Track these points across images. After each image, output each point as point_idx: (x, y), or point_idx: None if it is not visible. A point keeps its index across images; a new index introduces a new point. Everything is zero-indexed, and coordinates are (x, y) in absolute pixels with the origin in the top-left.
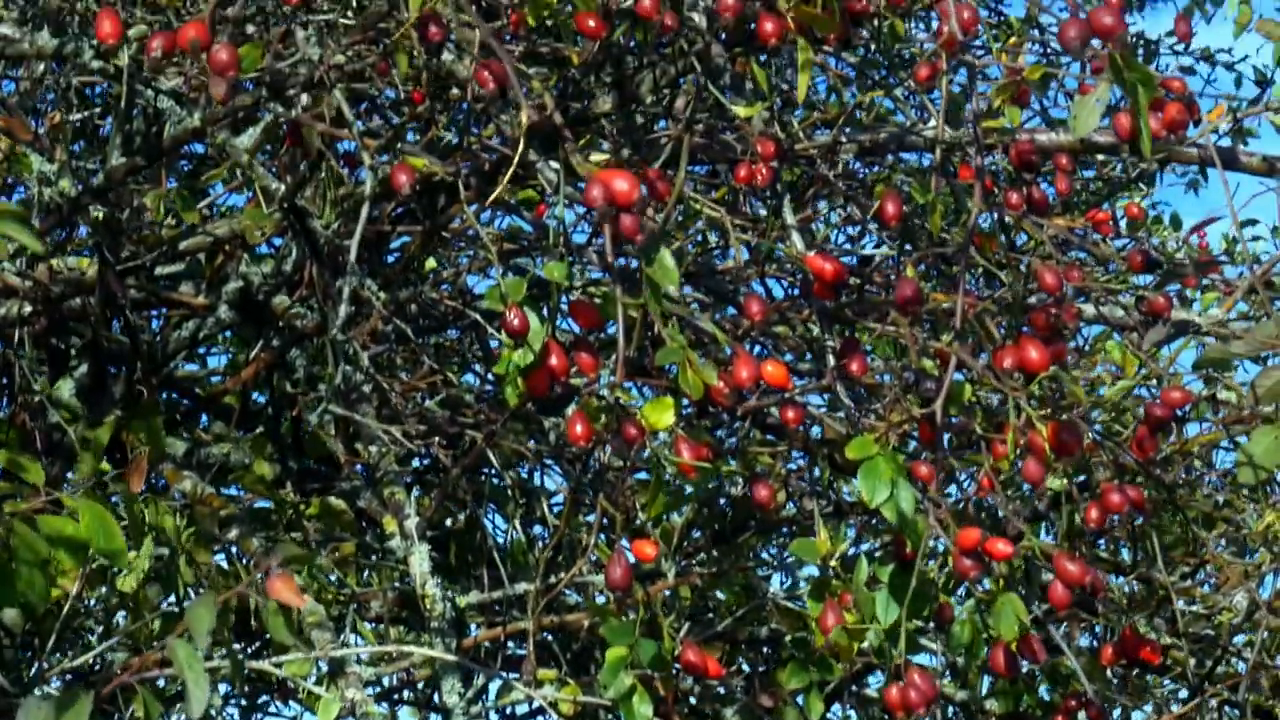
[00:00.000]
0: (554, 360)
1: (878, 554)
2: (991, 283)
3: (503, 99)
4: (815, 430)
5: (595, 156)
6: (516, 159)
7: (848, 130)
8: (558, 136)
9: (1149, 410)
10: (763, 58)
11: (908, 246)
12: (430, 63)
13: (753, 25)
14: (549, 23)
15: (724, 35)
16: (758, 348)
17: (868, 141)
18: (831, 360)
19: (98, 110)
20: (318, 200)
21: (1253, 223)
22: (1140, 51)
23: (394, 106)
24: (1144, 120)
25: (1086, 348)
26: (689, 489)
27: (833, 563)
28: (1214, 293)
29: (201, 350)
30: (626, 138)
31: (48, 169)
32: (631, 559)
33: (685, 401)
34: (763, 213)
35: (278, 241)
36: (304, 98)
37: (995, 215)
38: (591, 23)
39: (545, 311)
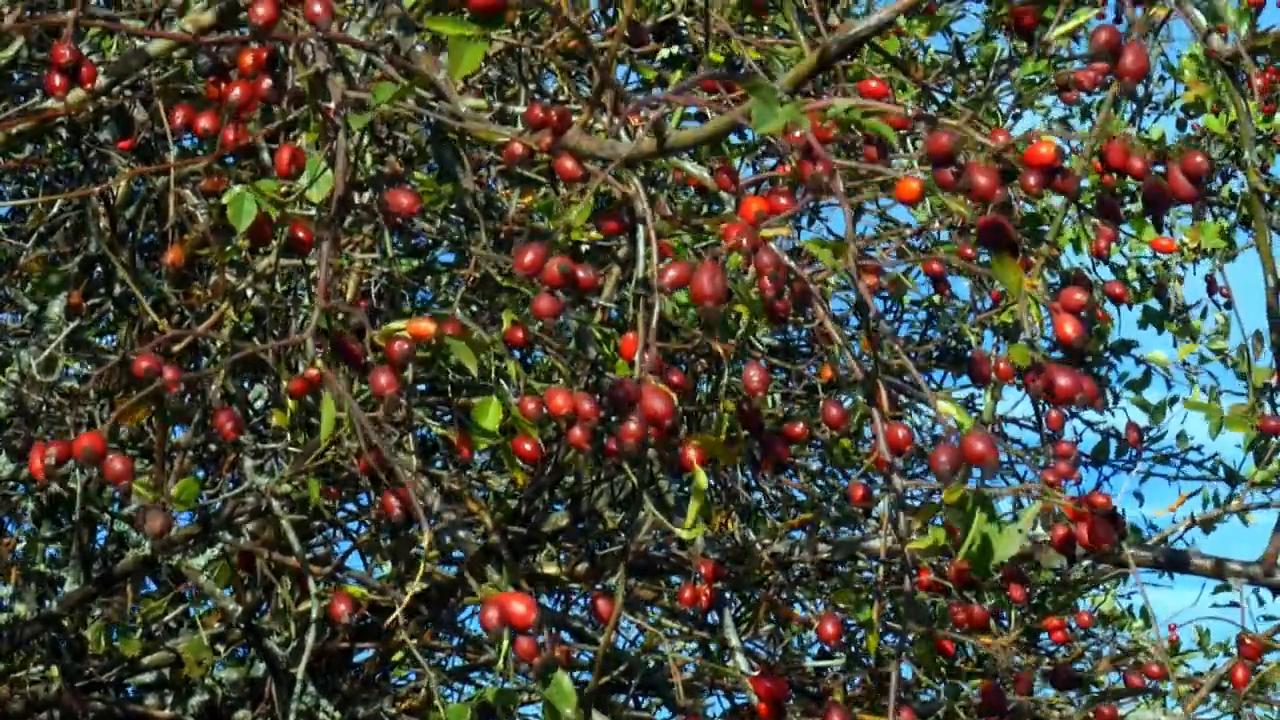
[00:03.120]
0: None
1: None
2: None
3: (408, 524)
4: None
5: (549, 569)
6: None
7: (799, 539)
8: (501, 558)
9: None
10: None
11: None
12: (370, 493)
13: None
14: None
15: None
16: None
17: (817, 557)
18: None
19: (66, 526)
20: (279, 616)
21: (1235, 605)
22: (1112, 445)
23: (354, 516)
24: (982, 564)
25: None
26: None
27: None
28: (1186, 685)
29: None
30: (581, 551)
31: (3, 591)
32: None
33: None
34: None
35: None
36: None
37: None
38: (528, 446)
39: None
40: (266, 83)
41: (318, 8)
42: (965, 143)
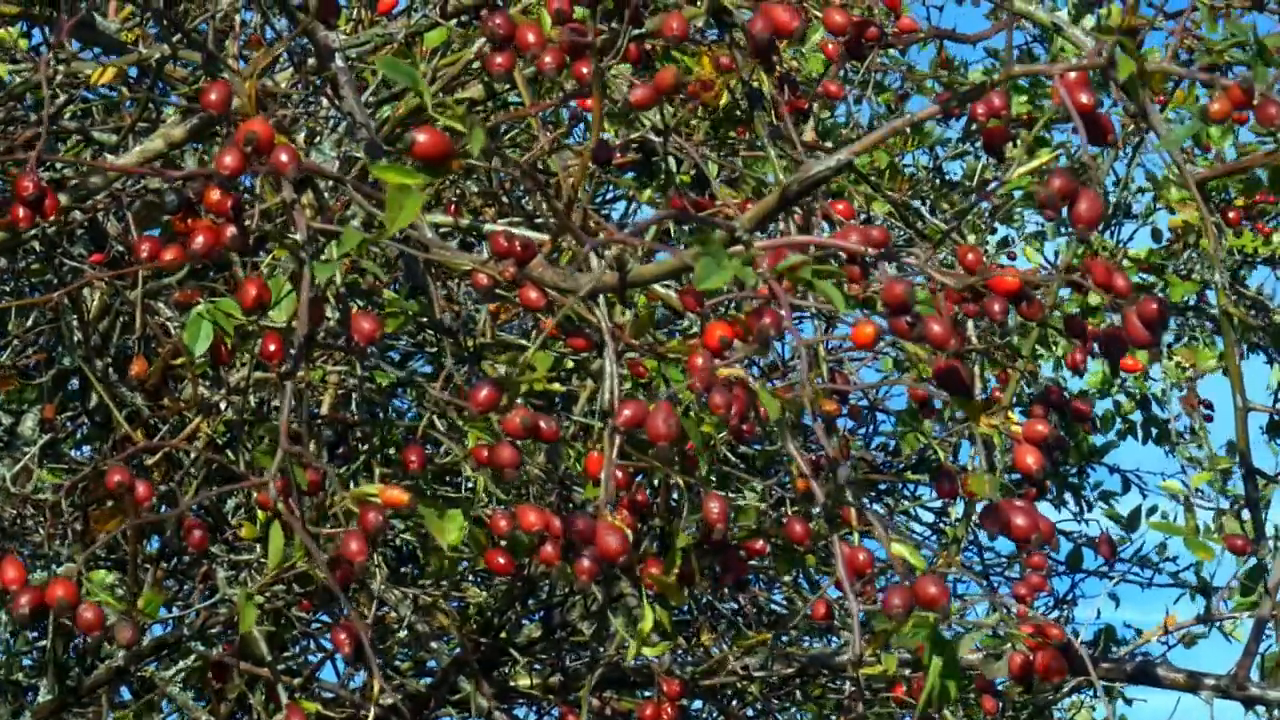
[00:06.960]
0: None
1: None
2: None
3: (359, 659)
4: None
5: (522, 681)
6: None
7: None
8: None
9: None
10: None
11: None
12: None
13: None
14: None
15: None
16: None
17: (786, 670)
18: None
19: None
20: None
21: None
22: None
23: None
24: (932, 685)
25: None
26: None
27: None
28: None
29: None
30: (554, 664)
31: None
32: None
33: None
34: None
35: None
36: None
37: None
38: (501, 560)
39: None
40: (231, 230)
41: (284, 157)
42: (918, 293)
